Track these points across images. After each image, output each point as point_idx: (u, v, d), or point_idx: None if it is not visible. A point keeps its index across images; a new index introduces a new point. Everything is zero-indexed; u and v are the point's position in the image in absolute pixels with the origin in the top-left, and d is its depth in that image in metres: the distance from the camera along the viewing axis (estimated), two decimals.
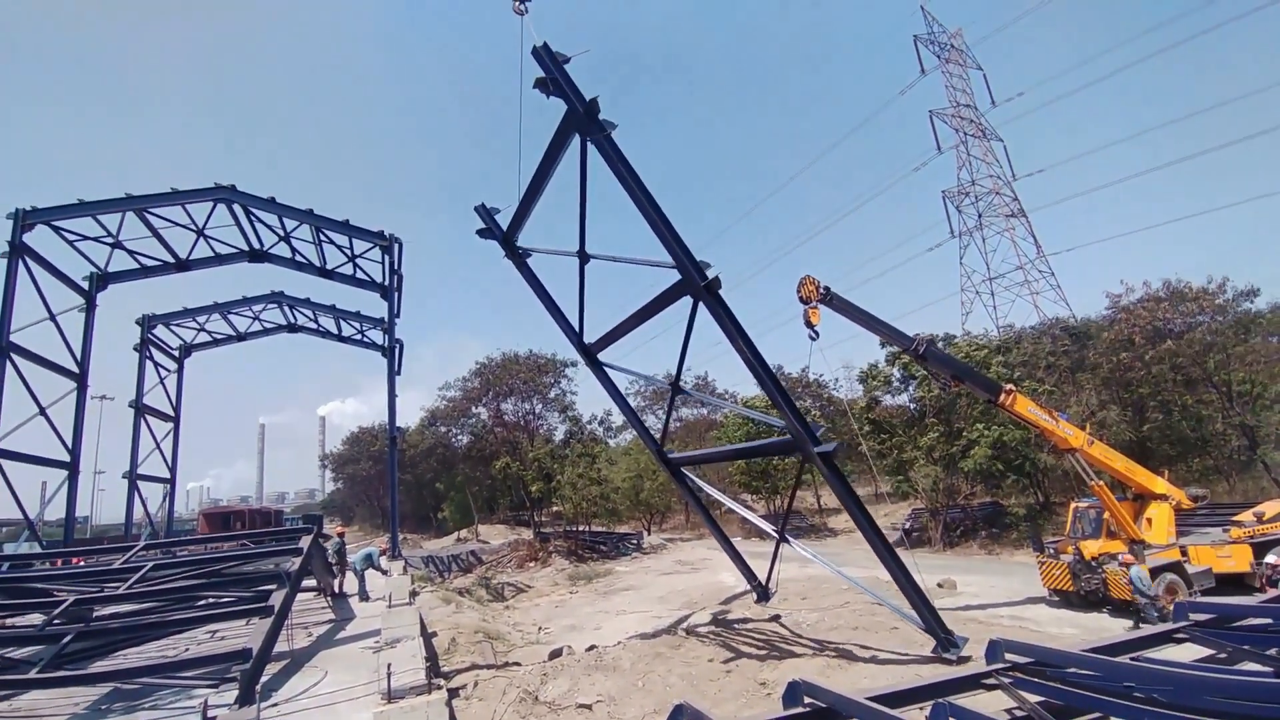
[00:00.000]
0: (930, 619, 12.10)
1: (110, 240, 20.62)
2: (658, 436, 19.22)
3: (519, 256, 18.44)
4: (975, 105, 59.79)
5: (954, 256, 59.27)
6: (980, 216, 57.75)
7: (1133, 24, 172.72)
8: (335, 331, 28.99)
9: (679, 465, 19.32)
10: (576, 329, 18.01)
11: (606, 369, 18.52)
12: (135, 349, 25.50)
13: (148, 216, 20.36)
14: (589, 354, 18.10)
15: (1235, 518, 16.99)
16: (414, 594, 16.51)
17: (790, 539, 16.19)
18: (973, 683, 4.94)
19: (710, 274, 12.76)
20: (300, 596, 12.48)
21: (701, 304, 13.14)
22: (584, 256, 16.28)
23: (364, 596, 15.29)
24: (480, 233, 18.46)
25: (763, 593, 18.43)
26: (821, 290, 14.65)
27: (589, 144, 13.84)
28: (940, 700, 4.48)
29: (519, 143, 16.64)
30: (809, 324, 14.55)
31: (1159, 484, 16.72)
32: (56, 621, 9.74)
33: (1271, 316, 30.04)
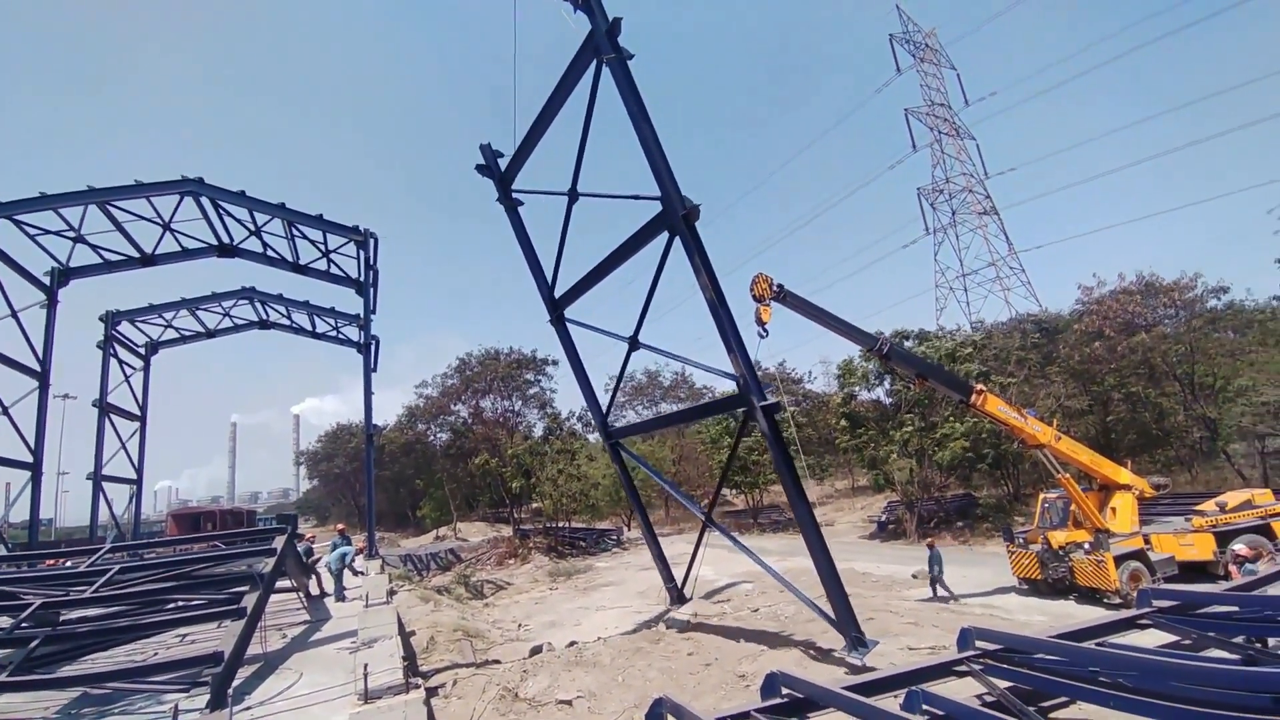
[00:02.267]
0: (843, 614, 11.60)
1: (72, 234, 19.99)
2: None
3: (511, 201, 18.40)
4: (949, 104, 60.84)
5: (929, 253, 60.39)
6: (954, 214, 58.86)
7: (1103, 26, 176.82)
8: (309, 328, 28.40)
9: (619, 438, 18.92)
10: (551, 280, 17.98)
11: (570, 326, 18.25)
12: (99, 346, 24.77)
13: (111, 209, 19.74)
14: (557, 308, 18.02)
15: (1198, 507, 17.43)
16: (392, 593, 16.38)
17: (719, 526, 15.58)
18: (945, 670, 5.06)
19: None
20: (275, 598, 12.26)
21: (678, 242, 13.05)
22: (574, 195, 16.16)
23: (340, 596, 15.11)
24: (479, 169, 18.39)
25: (677, 595, 17.89)
26: (775, 288, 14.39)
27: (600, 77, 14.14)
28: (914, 688, 4.59)
29: (513, 86, 16.63)
30: (759, 322, 14.39)
31: (1123, 475, 17.19)
32: (24, 625, 9.47)
33: (1234, 312, 31.03)
